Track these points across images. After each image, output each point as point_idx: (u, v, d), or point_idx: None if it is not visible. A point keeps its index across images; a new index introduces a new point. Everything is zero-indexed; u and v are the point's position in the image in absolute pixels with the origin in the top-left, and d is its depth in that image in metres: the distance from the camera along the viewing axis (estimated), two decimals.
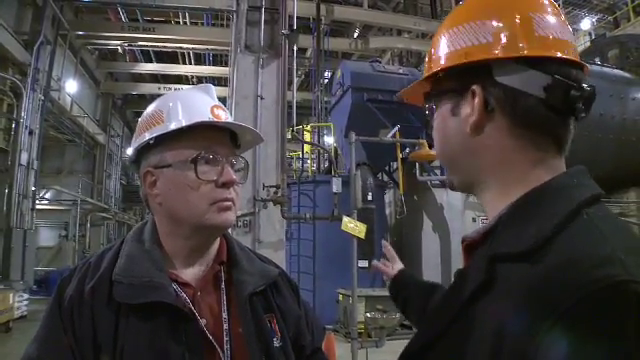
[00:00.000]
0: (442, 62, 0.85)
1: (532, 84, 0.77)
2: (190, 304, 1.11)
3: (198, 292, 1.15)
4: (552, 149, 0.80)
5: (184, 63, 21.77)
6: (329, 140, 12.18)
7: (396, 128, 8.84)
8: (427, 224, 11.33)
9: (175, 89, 21.25)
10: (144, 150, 1.18)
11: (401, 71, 12.17)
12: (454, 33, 0.84)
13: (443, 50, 0.85)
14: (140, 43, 18.12)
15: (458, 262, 11.94)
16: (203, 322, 1.10)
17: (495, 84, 0.79)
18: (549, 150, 0.79)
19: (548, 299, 0.59)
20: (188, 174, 1.12)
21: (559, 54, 0.79)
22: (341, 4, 17.41)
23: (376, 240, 9.37)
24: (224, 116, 1.20)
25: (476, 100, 0.80)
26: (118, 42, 17.82)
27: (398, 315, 6.62)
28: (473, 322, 0.70)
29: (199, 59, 21.93)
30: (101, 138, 21.78)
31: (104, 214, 22.28)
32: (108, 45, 18.86)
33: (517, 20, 0.80)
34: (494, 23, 0.80)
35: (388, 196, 13.01)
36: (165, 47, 19.16)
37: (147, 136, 1.15)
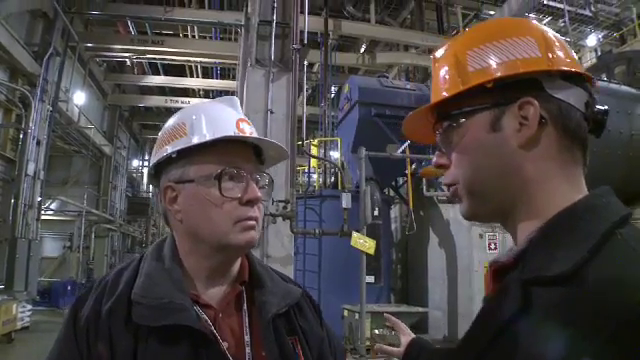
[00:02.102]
0: (495, 73, 0.81)
1: (578, 100, 0.80)
2: (212, 327, 1.07)
3: (220, 314, 1.10)
4: (582, 164, 0.82)
5: (192, 76, 21.93)
6: (335, 155, 12.16)
7: (406, 143, 8.81)
8: (433, 240, 11.24)
9: (182, 102, 21.44)
10: (165, 164, 1.13)
11: (409, 86, 12.15)
12: (496, 47, 0.82)
13: (487, 62, 0.82)
14: (148, 56, 18.28)
15: (465, 278, 11.80)
16: (225, 345, 1.06)
17: (549, 98, 0.79)
18: (580, 165, 0.81)
19: (591, 323, 0.59)
20: (211, 190, 1.07)
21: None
22: (349, 19, 17.50)
23: (382, 256, 9.30)
24: (249, 130, 1.16)
25: (531, 112, 0.78)
26: (127, 54, 18.01)
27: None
28: (511, 349, 0.68)
29: (207, 72, 22.08)
30: (107, 149, 21.88)
31: (109, 226, 22.33)
32: (116, 57, 19.07)
33: (555, 40, 0.83)
34: (537, 41, 0.82)
35: (394, 211, 12.95)
36: (173, 60, 19.32)
37: (169, 149, 1.11)
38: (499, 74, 0.80)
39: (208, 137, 1.08)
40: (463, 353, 0.82)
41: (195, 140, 1.09)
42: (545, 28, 0.86)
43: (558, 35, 0.86)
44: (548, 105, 0.78)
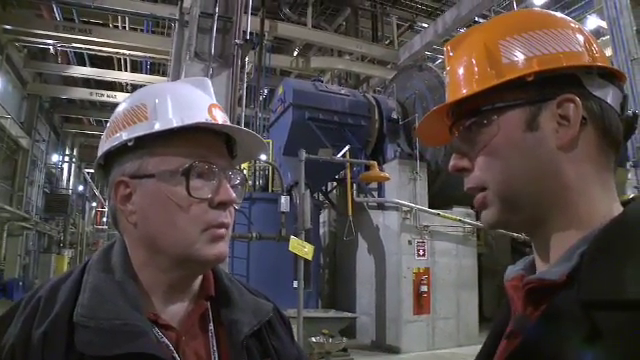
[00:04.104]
0: (534, 66, 0.73)
1: (615, 100, 0.75)
2: (174, 352, 0.89)
3: (183, 337, 0.93)
4: (613, 169, 0.76)
5: (120, 69, 20.99)
6: (264, 157, 12.01)
7: (346, 148, 8.82)
8: (362, 245, 11.37)
9: (108, 96, 20.47)
10: (118, 154, 0.93)
11: (343, 91, 12.27)
12: (533, 37, 0.75)
13: (524, 53, 0.75)
14: (74, 44, 17.29)
15: (393, 284, 11.99)
16: None
17: (589, 96, 0.73)
18: (612, 171, 0.75)
19: None
20: (176, 189, 0.90)
21: None
22: (284, 21, 17.44)
23: (311, 260, 9.29)
24: (221, 118, 0.98)
25: (572, 110, 0.71)
26: (50, 41, 16.91)
27: (344, 339, 6.48)
28: None
29: (136, 66, 21.25)
30: (24, 142, 20.47)
31: (23, 224, 20.85)
32: (39, 43, 17.88)
33: (589, 36, 0.77)
34: (576, 34, 0.76)
35: (322, 216, 13.00)
36: (101, 51, 18.42)
37: (124, 136, 0.92)
38: (539, 67, 0.73)
39: (175, 123, 0.91)
40: None
41: (158, 126, 0.91)
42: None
43: None
44: (589, 104, 0.72)
